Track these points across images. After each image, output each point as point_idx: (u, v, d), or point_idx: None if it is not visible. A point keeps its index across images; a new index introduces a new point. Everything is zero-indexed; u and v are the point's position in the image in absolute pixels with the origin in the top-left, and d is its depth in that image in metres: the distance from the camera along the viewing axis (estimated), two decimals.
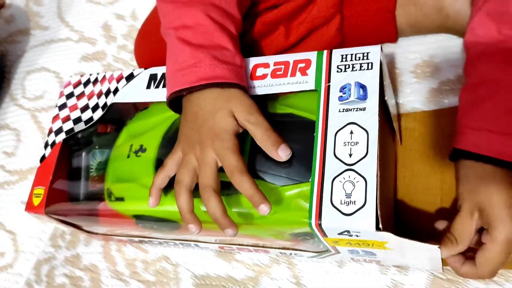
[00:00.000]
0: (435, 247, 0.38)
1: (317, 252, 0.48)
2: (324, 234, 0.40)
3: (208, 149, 0.42)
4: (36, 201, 0.50)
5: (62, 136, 0.53)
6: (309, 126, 0.43)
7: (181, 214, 0.43)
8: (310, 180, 0.40)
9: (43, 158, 0.52)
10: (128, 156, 0.50)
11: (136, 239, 0.56)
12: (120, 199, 0.49)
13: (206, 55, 0.44)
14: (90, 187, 0.52)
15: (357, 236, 0.39)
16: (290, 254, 0.51)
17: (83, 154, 0.53)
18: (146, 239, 0.56)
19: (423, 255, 0.42)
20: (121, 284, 0.58)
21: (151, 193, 0.45)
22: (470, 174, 0.41)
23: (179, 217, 0.47)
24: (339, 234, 0.39)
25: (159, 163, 0.48)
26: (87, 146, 0.54)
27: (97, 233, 0.57)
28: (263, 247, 0.51)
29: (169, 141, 0.48)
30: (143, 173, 0.48)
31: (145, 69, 0.51)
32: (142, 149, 0.50)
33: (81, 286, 0.60)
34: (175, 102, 0.46)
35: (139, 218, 0.50)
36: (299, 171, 0.43)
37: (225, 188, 0.43)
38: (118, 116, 0.55)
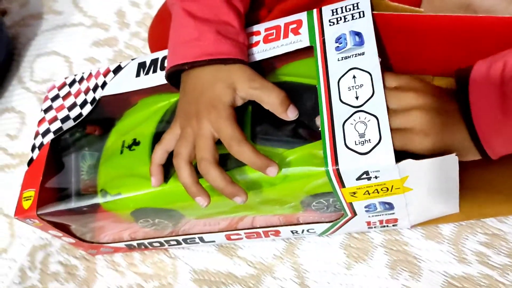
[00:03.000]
0: (452, 156, 0.36)
1: (331, 222, 0.45)
2: (342, 183, 0.38)
3: (204, 121, 0.41)
4: (27, 204, 0.46)
5: (50, 136, 0.50)
6: (306, 90, 0.42)
7: (186, 189, 0.41)
8: (317, 139, 0.39)
9: (31, 161, 0.49)
10: (121, 152, 0.48)
11: (135, 243, 0.52)
12: (117, 195, 0.46)
13: (210, 30, 0.43)
14: (82, 191, 0.49)
15: (376, 178, 0.37)
16: (302, 231, 0.48)
17: (73, 156, 0.50)
18: (146, 242, 0.52)
19: (441, 186, 0.40)
20: (116, 275, 0.54)
21: (151, 171, 0.43)
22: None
23: (183, 204, 0.45)
24: (357, 179, 0.37)
25: None
26: (76, 147, 0.51)
27: (92, 242, 0.53)
28: (273, 227, 0.48)
29: (164, 129, 0.46)
30: (139, 164, 0.46)
31: (132, 59, 0.50)
32: (135, 142, 0.48)
33: (76, 275, 0.56)
34: (173, 76, 0.45)
35: (139, 214, 0.47)
36: (303, 133, 0.41)
37: (227, 163, 0.41)
38: (106, 118, 0.53)
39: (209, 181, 0.40)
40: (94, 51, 0.78)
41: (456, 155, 0.37)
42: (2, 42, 0.79)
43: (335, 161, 0.37)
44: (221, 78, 0.42)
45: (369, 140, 0.36)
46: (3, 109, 0.78)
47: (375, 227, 0.46)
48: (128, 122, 0.51)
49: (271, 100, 0.41)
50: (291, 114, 0.41)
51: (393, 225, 0.46)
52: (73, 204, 0.47)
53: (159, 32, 0.58)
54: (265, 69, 0.45)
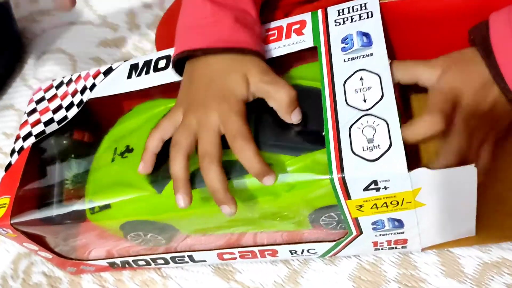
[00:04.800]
0: (471, 167, 0.32)
1: (335, 241, 0.41)
2: (347, 194, 0.34)
3: (213, 112, 0.37)
4: (0, 212, 0.42)
5: (32, 140, 0.46)
6: (315, 94, 0.39)
7: (174, 182, 0.37)
8: (322, 147, 0.35)
9: (8, 166, 0.45)
10: (113, 160, 0.44)
11: (118, 261, 0.48)
12: (105, 206, 0.42)
13: (228, 16, 0.39)
14: (65, 201, 0.45)
15: (385, 188, 0.33)
16: (302, 252, 0.43)
17: (57, 163, 0.47)
18: (130, 260, 0.47)
19: (456, 202, 0.36)
20: None
21: (143, 157, 0.39)
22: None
23: (178, 216, 0.41)
24: (364, 190, 0.33)
25: None
26: (61, 153, 0.47)
27: (71, 258, 0.48)
28: (271, 245, 0.43)
29: None
30: (131, 173, 0.41)
31: (125, 61, 0.47)
32: (128, 149, 0.44)
33: None
34: (180, 63, 0.41)
35: (129, 227, 0.43)
36: (308, 140, 0.38)
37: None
38: (95, 122, 0.50)
39: (206, 180, 0.36)
40: (100, 51, 0.75)
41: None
42: (11, 39, 0.77)
43: (341, 169, 0.33)
44: (235, 68, 0.38)
45: (378, 146, 0.33)
46: (3, 106, 0.75)
47: (382, 248, 0.41)
48: (122, 129, 0.47)
49: (280, 97, 0.37)
50: (295, 118, 0.37)
51: (402, 247, 0.41)
52: (55, 212, 0.43)
53: (168, 31, 0.53)
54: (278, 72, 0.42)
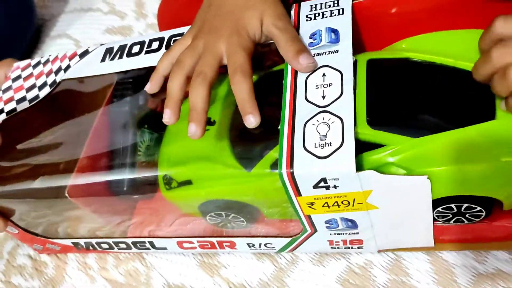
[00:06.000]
0: (423, 178, 0.32)
1: (291, 237, 0.41)
2: (297, 190, 0.34)
3: (222, 40, 0.38)
4: None
5: (3, 116, 0.46)
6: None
7: (167, 97, 0.37)
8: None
9: None
10: None
11: (82, 242, 0.48)
12: (186, 182, 0.39)
13: None
14: (137, 174, 0.42)
15: (335, 187, 0.33)
16: (260, 246, 0.43)
17: (130, 131, 0.45)
18: (94, 242, 0.48)
19: (411, 212, 0.35)
20: (86, 279, 0.50)
21: (151, 78, 0.40)
22: None
23: (264, 200, 0.40)
24: (314, 187, 0.33)
25: (235, 135, 0.40)
26: (135, 122, 0.46)
27: (36, 234, 0.48)
28: (229, 237, 0.43)
29: None
30: (214, 148, 0.39)
31: (101, 44, 0.47)
32: (210, 122, 0.41)
33: (43, 272, 0.52)
34: None
35: (210, 206, 0.41)
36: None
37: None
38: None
39: (190, 95, 0.36)
40: (106, 38, 0.76)
41: None
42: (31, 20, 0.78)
43: (290, 164, 0.33)
44: (253, 5, 0.39)
45: (330, 143, 0.32)
46: None
47: (338, 247, 0.41)
48: None
49: (288, 44, 0.37)
50: (303, 62, 0.36)
51: (359, 247, 0.41)
52: (124, 183, 0.41)
53: (170, 7, 0.55)
54: None
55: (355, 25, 0.41)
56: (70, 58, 0.48)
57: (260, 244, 0.43)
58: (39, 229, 0.48)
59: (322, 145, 0.32)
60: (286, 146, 0.33)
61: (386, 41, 0.41)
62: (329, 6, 0.39)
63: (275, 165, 0.34)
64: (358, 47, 0.43)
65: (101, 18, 0.79)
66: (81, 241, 0.48)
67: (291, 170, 0.32)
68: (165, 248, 0.47)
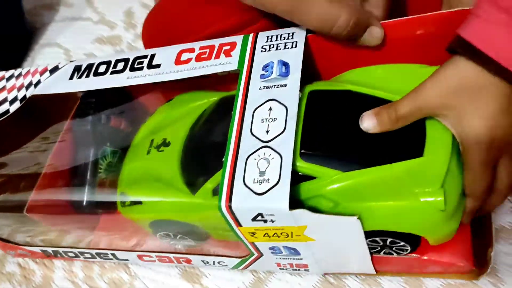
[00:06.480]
0: (353, 219, 0.33)
1: (241, 257, 0.43)
2: (237, 221, 0.35)
3: None
4: None
5: None
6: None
7: None
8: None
9: None
10: (148, 152, 0.43)
11: (50, 250, 0.50)
12: (137, 202, 0.41)
13: None
14: (97, 191, 0.45)
15: (272, 221, 0.34)
16: (214, 263, 0.45)
17: (91, 149, 0.46)
18: (61, 251, 0.50)
19: (346, 246, 0.37)
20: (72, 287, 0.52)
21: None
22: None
23: (209, 222, 0.41)
24: (253, 220, 0.35)
25: (185, 158, 0.41)
26: (97, 140, 0.47)
27: (8, 241, 0.50)
28: (186, 254, 0.45)
29: (198, 133, 0.42)
30: (165, 170, 0.41)
31: (71, 61, 0.49)
32: (165, 143, 0.43)
33: (31, 280, 0.53)
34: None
35: (159, 226, 0.43)
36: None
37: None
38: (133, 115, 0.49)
39: None
40: (95, 48, 0.77)
41: None
42: (21, 32, 0.79)
43: (230, 197, 0.34)
44: None
45: (268, 180, 0.34)
46: None
47: (286, 269, 0.43)
48: (160, 119, 0.47)
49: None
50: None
51: (305, 270, 0.42)
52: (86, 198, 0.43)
53: (155, 22, 0.52)
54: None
55: (311, 55, 0.42)
56: (41, 73, 0.49)
57: (214, 262, 0.45)
58: (9, 236, 0.51)
59: (261, 181, 0.34)
60: (227, 179, 0.35)
61: (339, 70, 0.42)
62: (284, 38, 0.40)
63: (216, 191, 0.35)
64: (314, 75, 0.44)
65: (91, 28, 0.81)
66: (49, 249, 0.51)
67: (230, 204, 0.34)
68: (127, 260, 0.49)
